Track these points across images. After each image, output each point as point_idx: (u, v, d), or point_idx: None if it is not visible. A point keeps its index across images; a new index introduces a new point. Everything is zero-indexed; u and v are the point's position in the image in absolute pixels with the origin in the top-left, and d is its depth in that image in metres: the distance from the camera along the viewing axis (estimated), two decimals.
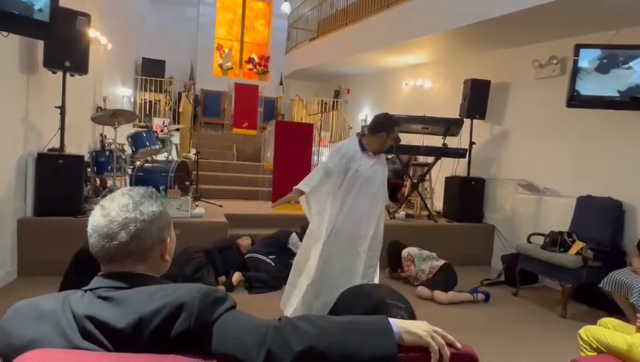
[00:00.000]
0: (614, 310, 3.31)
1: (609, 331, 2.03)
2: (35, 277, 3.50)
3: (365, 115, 8.83)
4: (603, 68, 3.81)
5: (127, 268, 0.92)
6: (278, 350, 0.81)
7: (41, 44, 3.74)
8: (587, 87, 3.87)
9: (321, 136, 8.49)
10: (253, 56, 11.57)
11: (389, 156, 6.24)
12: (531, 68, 4.85)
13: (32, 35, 3.03)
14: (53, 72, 3.89)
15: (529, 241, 4.21)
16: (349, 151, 2.81)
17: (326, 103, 9.76)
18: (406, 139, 5.92)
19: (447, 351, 0.91)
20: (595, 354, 2.01)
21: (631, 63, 3.72)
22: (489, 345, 2.97)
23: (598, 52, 3.81)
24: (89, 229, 0.93)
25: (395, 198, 6.18)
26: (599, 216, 3.93)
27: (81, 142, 5.15)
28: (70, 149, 4.23)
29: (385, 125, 2.84)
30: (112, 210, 0.92)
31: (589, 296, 3.78)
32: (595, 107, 3.93)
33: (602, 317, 2.29)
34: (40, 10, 2.58)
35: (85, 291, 0.90)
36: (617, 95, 3.77)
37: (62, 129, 3.92)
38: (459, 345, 0.95)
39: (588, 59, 3.85)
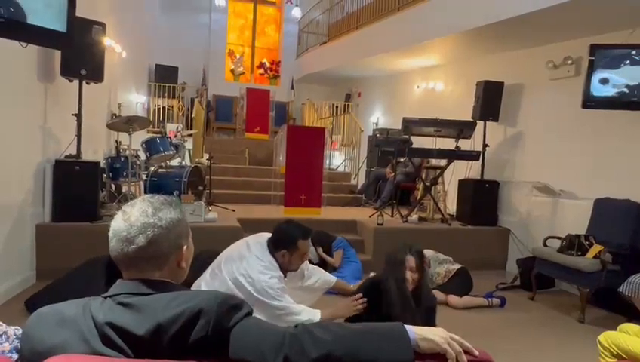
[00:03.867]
0: (634, 315, 3.23)
1: (630, 337, 1.99)
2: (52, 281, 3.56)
3: (377, 117, 8.82)
4: (620, 68, 3.75)
5: (146, 275, 0.94)
6: (294, 356, 0.82)
7: (58, 53, 3.83)
8: (602, 87, 3.81)
9: (333, 139, 8.50)
10: (265, 61, 11.65)
11: (402, 159, 6.23)
12: (545, 69, 4.79)
13: (50, 45, 3.09)
14: (70, 81, 3.97)
15: (545, 245, 4.14)
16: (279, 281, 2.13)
17: (337, 107, 9.77)
18: (418, 142, 5.90)
19: (464, 358, 0.90)
20: (616, 360, 1.97)
21: None
22: (505, 351, 2.93)
23: (613, 52, 3.75)
24: (110, 233, 0.96)
25: (408, 202, 6.15)
26: (618, 219, 3.85)
27: (96, 149, 5.25)
28: (86, 156, 4.31)
29: (281, 241, 2.16)
30: (132, 215, 0.95)
31: (607, 301, 3.70)
32: (611, 108, 3.86)
33: (622, 323, 2.24)
34: (57, 21, 2.65)
35: (105, 297, 0.91)
36: (634, 95, 3.70)
37: (78, 136, 4.00)
38: (476, 352, 0.94)
39: (604, 59, 3.79)
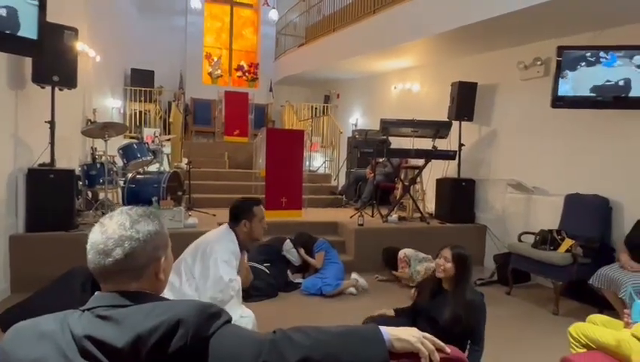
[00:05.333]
0: (605, 306, 3.38)
1: (598, 327, 2.08)
2: (29, 293, 3.47)
3: (356, 118, 8.89)
4: (585, 69, 3.89)
5: (122, 286, 0.94)
6: None
7: (29, 59, 3.74)
8: (570, 87, 3.95)
9: (313, 141, 8.54)
10: (243, 63, 11.60)
11: (381, 159, 6.31)
12: (516, 69, 4.93)
13: (21, 52, 3.03)
14: (42, 87, 3.89)
15: (520, 240, 4.27)
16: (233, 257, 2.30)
17: (316, 108, 9.81)
18: (396, 142, 5.99)
19: (436, 356, 0.94)
20: (585, 350, 2.06)
21: (612, 63, 3.80)
22: (485, 344, 3.01)
23: (580, 53, 3.90)
24: (88, 245, 0.96)
25: (388, 201, 6.23)
26: (587, 214, 4.01)
27: (71, 156, 5.14)
28: (61, 163, 4.22)
29: (239, 213, 2.35)
30: (110, 227, 0.95)
31: (580, 293, 3.84)
32: (579, 107, 4.01)
33: (594, 313, 2.34)
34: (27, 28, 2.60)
35: (83, 311, 0.91)
36: (600, 95, 3.85)
37: (52, 143, 3.92)
38: (448, 350, 0.99)
39: (570, 60, 3.93)
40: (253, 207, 2.35)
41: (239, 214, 2.33)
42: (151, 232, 0.97)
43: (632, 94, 3.73)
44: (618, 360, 1.91)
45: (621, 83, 3.75)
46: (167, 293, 2.05)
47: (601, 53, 3.81)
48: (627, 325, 2.00)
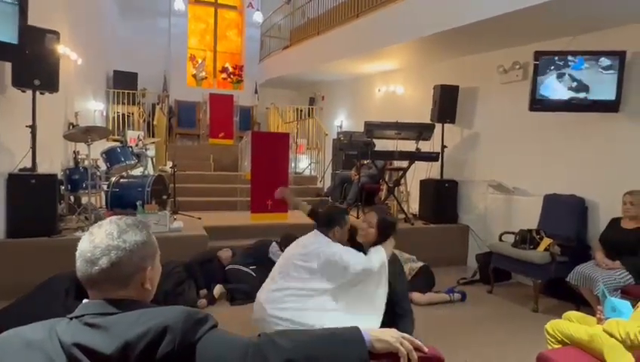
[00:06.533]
0: (582, 302, 3.49)
1: (572, 324, 2.17)
2: (11, 300, 3.42)
3: (341, 120, 8.95)
4: (561, 72, 4.03)
5: (109, 294, 0.96)
6: None
7: (8, 63, 3.69)
8: (547, 91, 4.08)
9: (298, 143, 8.56)
10: (227, 65, 11.55)
11: (366, 161, 6.37)
12: (496, 73, 5.06)
13: (0, 57, 2.99)
14: (23, 91, 3.83)
15: (501, 240, 4.38)
16: None
17: (301, 111, 9.84)
18: (381, 144, 6.06)
19: (414, 355, 1.00)
20: (560, 346, 2.14)
21: (585, 68, 3.94)
22: (466, 342, 3.10)
23: (556, 58, 4.03)
24: (77, 253, 0.98)
25: (373, 202, 6.30)
26: (564, 213, 4.14)
27: (53, 160, 5.06)
28: (42, 168, 4.16)
29: (333, 220, 2.47)
30: (98, 237, 0.97)
31: (558, 290, 3.96)
32: (555, 110, 4.14)
33: (571, 310, 2.43)
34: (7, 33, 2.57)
35: (71, 318, 0.93)
36: (575, 98, 3.99)
37: (33, 148, 3.87)
38: (426, 349, 1.04)
39: (546, 64, 4.06)
40: (345, 215, 2.52)
41: (332, 221, 2.46)
42: (138, 242, 0.99)
43: (602, 98, 3.87)
44: (591, 354, 1.99)
45: (587, 84, 3.90)
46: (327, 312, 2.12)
47: (569, 57, 3.95)
48: (599, 321, 2.09)
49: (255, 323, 2.33)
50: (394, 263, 2.35)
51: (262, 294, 2.36)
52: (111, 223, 1.00)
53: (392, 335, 1.01)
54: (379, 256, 2.27)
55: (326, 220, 2.50)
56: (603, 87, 3.86)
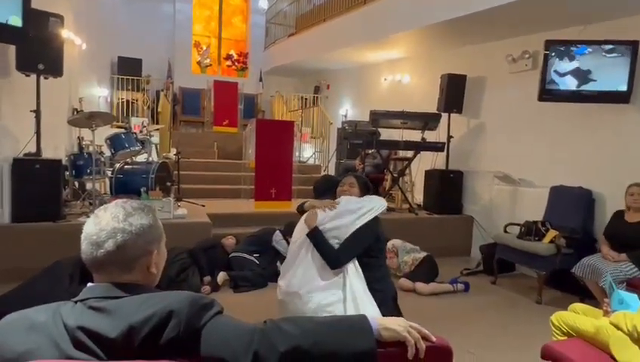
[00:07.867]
0: (587, 295, 3.47)
1: (578, 316, 2.15)
2: (15, 284, 3.44)
3: (346, 109, 8.89)
4: (572, 62, 3.95)
5: (115, 278, 0.95)
6: (264, 351, 0.86)
7: (13, 46, 3.66)
8: (557, 81, 4.01)
9: (303, 131, 8.52)
10: (232, 52, 11.47)
11: (370, 151, 6.34)
12: (505, 62, 4.98)
13: (5, 40, 2.97)
14: (27, 75, 3.81)
15: (505, 231, 4.35)
16: None
17: (306, 99, 9.78)
18: (386, 134, 6.02)
19: (422, 344, 0.98)
20: (566, 337, 2.13)
21: (595, 58, 3.87)
22: (469, 333, 3.09)
23: (566, 47, 3.95)
24: (82, 236, 0.97)
25: (377, 192, 6.28)
26: (571, 205, 4.10)
27: (57, 145, 5.06)
28: (47, 153, 4.16)
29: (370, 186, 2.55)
30: (104, 219, 0.96)
31: (563, 282, 3.94)
32: (564, 101, 4.08)
33: (575, 302, 2.41)
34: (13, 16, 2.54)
35: (76, 302, 0.92)
36: (584, 89, 3.92)
37: (38, 133, 3.86)
38: (433, 338, 1.02)
39: (558, 53, 3.98)
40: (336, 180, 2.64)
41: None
42: (144, 226, 0.98)
43: (613, 88, 3.80)
44: (597, 346, 1.98)
45: (598, 75, 3.82)
46: None
47: (587, 47, 3.87)
48: (606, 313, 2.07)
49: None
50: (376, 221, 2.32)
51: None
52: (117, 206, 0.99)
53: (399, 324, 0.99)
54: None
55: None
56: (614, 78, 3.78)
